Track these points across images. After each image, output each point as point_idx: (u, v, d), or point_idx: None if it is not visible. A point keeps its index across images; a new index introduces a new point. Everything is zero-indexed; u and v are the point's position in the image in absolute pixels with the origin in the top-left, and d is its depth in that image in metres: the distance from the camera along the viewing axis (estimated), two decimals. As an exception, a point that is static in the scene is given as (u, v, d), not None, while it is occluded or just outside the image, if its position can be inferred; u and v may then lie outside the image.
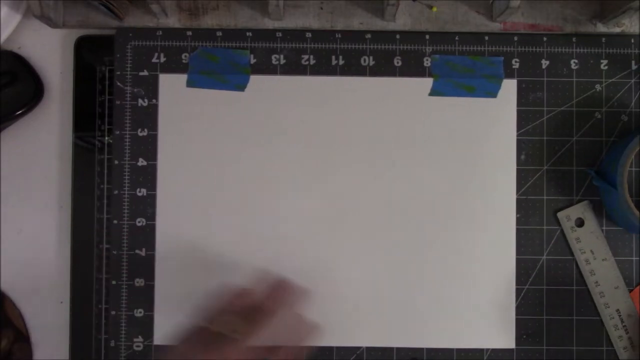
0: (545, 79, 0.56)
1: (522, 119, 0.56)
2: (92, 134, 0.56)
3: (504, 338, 0.55)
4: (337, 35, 0.56)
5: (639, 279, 0.55)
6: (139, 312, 0.55)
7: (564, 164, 0.56)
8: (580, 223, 0.55)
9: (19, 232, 0.56)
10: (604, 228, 0.55)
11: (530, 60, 0.56)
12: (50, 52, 0.57)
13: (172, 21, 0.56)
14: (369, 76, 0.56)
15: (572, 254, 0.55)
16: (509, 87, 0.56)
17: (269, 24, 0.56)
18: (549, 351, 0.55)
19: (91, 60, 0.56)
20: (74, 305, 0.55)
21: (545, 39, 0.56)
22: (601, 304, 0.54)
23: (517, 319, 0.55)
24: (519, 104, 0.56)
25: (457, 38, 0.56)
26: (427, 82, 0.56)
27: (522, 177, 0.55)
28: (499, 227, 0.55)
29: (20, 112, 0.55)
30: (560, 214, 0.55)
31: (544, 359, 0.55)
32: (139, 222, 0.55)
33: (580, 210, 0.55)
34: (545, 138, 0.56)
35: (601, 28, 0.56)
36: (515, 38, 0.56)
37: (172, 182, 0.55)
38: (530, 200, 0.55)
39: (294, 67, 0.56)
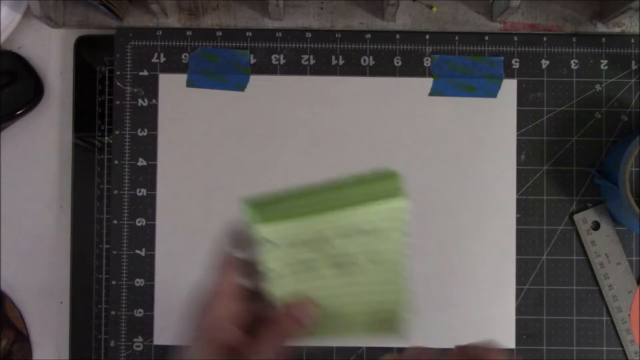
0: (545, 79, 0.56)
1: (522, 119, 0.56)
2: (92, 134, 0.56)
3: (504, 338, 0.54)
4: (337, 35, 0.56)
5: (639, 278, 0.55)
6: (139, 312, 0.55)
7: (564, 164, 0.56)
8: (596, 226, 0.55)
9: (19, 232, 0.56)
10: (618, 228, 0.55)
11: (530, 60, 0.56)
12: (50, 52, 0.57)
13: (172, 21, 0.56)
14: (369, 76, 0.56)
15: (572, 254, 0.55)
16: (509, 87, 0.56)
17: (269, 24, 0.56)
18: (549, 351, 0.55)
19: (91, 60, 0.56)
20: (74, 305, 0.55)
21: (545, 39, 0.56)
22: (614, 307, 0.54)
23: (517, 319, 0.55)
24: (519, 104, 0.56)
25: (457, 38, 0.56)
26: (427, 82, 0.56)
27: (522, 177, 0.55)
28: (499, 227, 0.55)
29: (20, 112, 0.55)
30: (576, 217, 0.55)
31: (544, 359, 0.55)
32: (138, 222, 0.55)
33: (596, 213, 0.55)
34: (545, 138, 0.56)
35: (601, 28, 0.56)
36: (515, 38, 0.56)
37: (172, 182, 0.55)
38: (530, 200, 0.55)
39: (294, 67, 0.56)
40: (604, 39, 0.56)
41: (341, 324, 0.37)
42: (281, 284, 0.35)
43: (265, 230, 0.33)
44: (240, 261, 0.35)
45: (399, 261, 0.35)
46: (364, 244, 0.35)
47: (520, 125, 0.56)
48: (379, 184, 0.34)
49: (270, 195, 0.34)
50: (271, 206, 0.34)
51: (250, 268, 0.35)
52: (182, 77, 0.56)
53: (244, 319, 0.35)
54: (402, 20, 0.56)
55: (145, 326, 0.54)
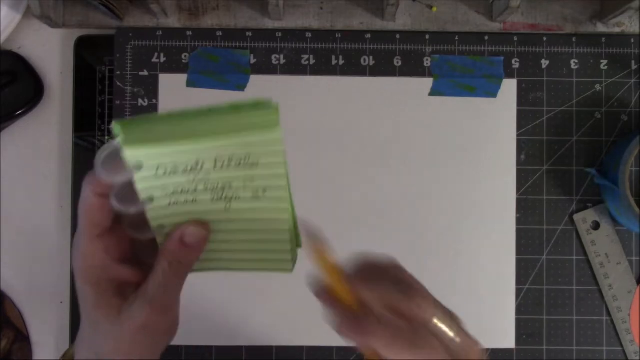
0: (545, 79, 0.56)
1: (522, 119, 0.56)
2: (92, 134, 0.56)
3: (504, 338, 0.54)
4: (337, 35, 0.56)
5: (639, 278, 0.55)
6: (139, 312, 0.55)
7: (564, 164, 0.56)
8: (596, 226, 0.55)
9: (19, 232, 0.56)
10: (617, 228, 0.55)
11: (530, 60, 0.56)
12: (50, 52, 0.57)
13: (172, 21, 0.56)
14: (369, 76, 0.56)
15: (572, 254, 0.55)
16: (509, 87, 0.56)
17: (269, 24, 0.56)
18: (549, 351, 0.55)
19: (91, 60, 0.56)
20: (74, 305, 0.55)
21: (545, 39, 0.56)
22: (614, 307, 0.54)
23: (517, 319, 0.55)
24: (519, 104, 0.56)
25: (457, 38, 0.56)
26: (427, 82, 0.56)
27: (522, 177, 0.55)
28: (499, 227, 0.55)
29: (20, 112, 0.55)
30: (576, 217, 0.55)
31: (544, 359, 0.55)
32: (139, 222, 0.55)
33: (596, 213, 0.55)
34: (545, 138, 0.56)
35: (601, 28, 0.56)
36: (515, 38, 0.56)
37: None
38: (530, 200, 0.55)
39: (294, 67, 0.56)
40: (604, 39, 0.56)
41: (228, 258, 0.36)
42: (160, 213, 0.34)
43: (136, 153, 0.32)
44: (115, 188, 0.33)
45: (283, 196, 0.34)
46: (247, 178, 0.34)
47: (520, 125, 0.56)
48: (254, 114, 0.33)
49: (142, 118, 0.32)
50: (143, 129, 0.32)
51: (127, 194, 0.33)
52: (182, 77, 0.56)
53: (121, 251, 0.34)
54: (402, 20, 0.56)
55: (145, 326, 0.54)
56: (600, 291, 0.55)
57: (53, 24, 0.55)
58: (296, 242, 0.37)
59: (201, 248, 0.34)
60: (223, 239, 0.35)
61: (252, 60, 0.56)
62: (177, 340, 0.55)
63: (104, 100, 0.56)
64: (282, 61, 0.56)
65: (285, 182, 0.34)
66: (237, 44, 0.56)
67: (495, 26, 0.56)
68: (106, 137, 0.56)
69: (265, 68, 0.56)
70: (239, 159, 0.33)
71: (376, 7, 0.55)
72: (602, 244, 0.55)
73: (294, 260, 0.38)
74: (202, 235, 0.34)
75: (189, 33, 0.56)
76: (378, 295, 0.33)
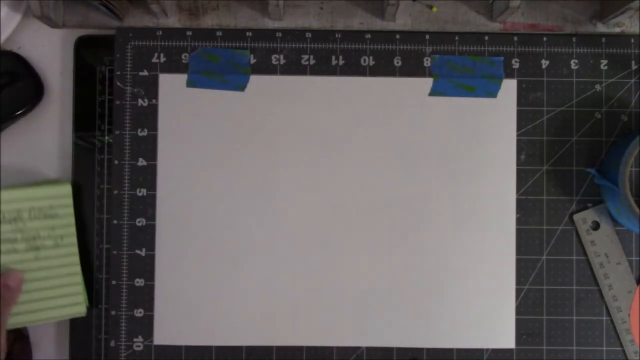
0: (545, 79, 0.56)
1: (522, 119, 0.56)
2: (92, 134, 0.56)
3: (504, 338, 0.55)
4: (337, 35, 0.56)
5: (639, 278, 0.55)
6: (139, 312, 0.55)
7: (563, 164, 0.56)
8: (595, 226, 0.55)
9: (19, 232, 0.56)
10: (617, 228, 0.55)
11: (530, 60, 0.56)
12: (50, 52, 0.57)
13: (172, 21, 0.56)
14: (369, 76, 0.56)
15: (572, 254, 0.55)
16: (509, 87, 0.56)
17: (269, 24, 0.56)
18: (548, 351, 0.55)
19: (91, 60, 0.56)
20: (74, 305, 0.55)
21: (545, 39, 0.56)
22: (614, 307, 0.54)
23: (517, 319, 0.55)
24: (519, 104, 0.56)
25: (457, 38, 0.56)
26: (427, 82, 0.56)
27: (522, 177, 0.55)
28: (499, 227, 0.55)
29: (20, 112, 0.55)
30: (576, 217, 0.55)
31: (544, 359, 0.55)
32: (138, 222, 0.55)
33: (596, 213, 0.55)
34: (545, 138, 0.56)
35: (601, 28, 0.56)
36: (515, 38, 0.56)
37: (172, 182, 0.55)
38: (530, 200, 0.55)
39: (294, 67, 0.56)
40: (603, 39, 0.56)
41: (35, 308, 0.47)
42: None
43: None
44: None
45: (74, 242, 0.46)
46: (50, 228, 0.45)
47: (520, 125, 0.56)
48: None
49: None
50: None
51: None
52: (182, 77, 0.56)
53: None
54: (402, 20, 0.56)
55: (145, 326, 0.54)
56: (600, 291, 0.55)
57: (53, 24, 0.55)
58: (80, 287, 0.49)
59: (20, 290, 0.44)
60: (32, 287, 0.45)
61: (252, 60, 0.56)
62: (177, 340, 0.55)
63: (104, 100, 0.56)
64: (282, 61, 0.56)
65: (74, 231, 0.47)
66: (237, 44, 0.56)
67: (495, 26, 0.56)
68: (106, 138, 0.56)
69: (265, 68, 0.56)
70: (46, 210, 0.45)
71: (376, 7, 0.55)
72: (602, 244, 0.55)
73: (85, 302, 0.52)
74: (21, 279, 0.43)
75: (189, 33, 0.56)
76: None
